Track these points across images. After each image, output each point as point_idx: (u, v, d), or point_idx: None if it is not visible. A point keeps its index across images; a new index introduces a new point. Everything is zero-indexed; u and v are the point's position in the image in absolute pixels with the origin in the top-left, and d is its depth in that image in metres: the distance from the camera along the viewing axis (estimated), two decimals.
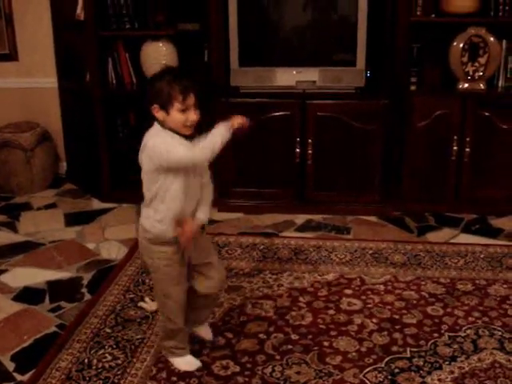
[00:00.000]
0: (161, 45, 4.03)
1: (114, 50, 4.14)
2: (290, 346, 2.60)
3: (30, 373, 2.46)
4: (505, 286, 3.06)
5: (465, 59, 3.79)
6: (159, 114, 2.19)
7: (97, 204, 4.18)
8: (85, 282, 3.16)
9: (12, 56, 4.56)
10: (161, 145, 2.16)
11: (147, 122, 4.23)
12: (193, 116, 2.18)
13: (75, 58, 4.31)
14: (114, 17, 4.03)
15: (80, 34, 4.07)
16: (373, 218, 3.87)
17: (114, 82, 4.16)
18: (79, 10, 4.04)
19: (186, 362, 2.47)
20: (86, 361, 2.51)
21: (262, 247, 3.47)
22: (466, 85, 3.84)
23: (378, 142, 3.80)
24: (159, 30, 4.03)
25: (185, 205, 2.25)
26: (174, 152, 2.15)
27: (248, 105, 3.80)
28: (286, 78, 3.83)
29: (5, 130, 4.40)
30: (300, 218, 3.86)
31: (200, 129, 3.99)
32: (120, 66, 4.16)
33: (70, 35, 4.27)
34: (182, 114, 2.16)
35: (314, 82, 3.82)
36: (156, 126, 2.23)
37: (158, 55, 4.04)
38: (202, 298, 2.47)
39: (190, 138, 2.21)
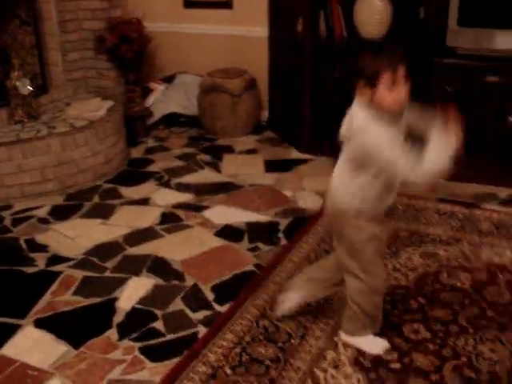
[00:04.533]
0: (376, 0, 3.96)
1: (327, 3, 4.13)
2: (484, 322, 2.50)
3: (228, 304, 2.62)
4: None
5: None
6: (365, 91, 2.03)
7: (295, 154, 4.27)
8: (281, 227, 3.27)
9: (228, 4, 4.74)
10: (372, 138, 1.99)
11: (352, 75, 4.25)
12: (401, 93, 1.99)
13: (288, 9, 4.36)
14: None
15: None
16: None
17: (325, 35, 4.17)
18: None
19: (375, 343, 2.36)
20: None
21: (461, 216, 3.35)
22: None
23: None
24: None
25: (381, 199, 2.14)
26: (389, 155, 1.98)
27: (463, 67, 3.63)
28: (509, 41, 3.57)
29: (215, 74, 4.61)
30: (503, 192, 3.65)
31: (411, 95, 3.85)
32: (332, 19, 4.15)
33: None
34: (390, 90, 1.98)
35: None
36: (360, 104, 2.07)
37: (372, 11, 3.98)
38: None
39: (398, 114, 2.05)
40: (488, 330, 2.46)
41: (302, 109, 4.22)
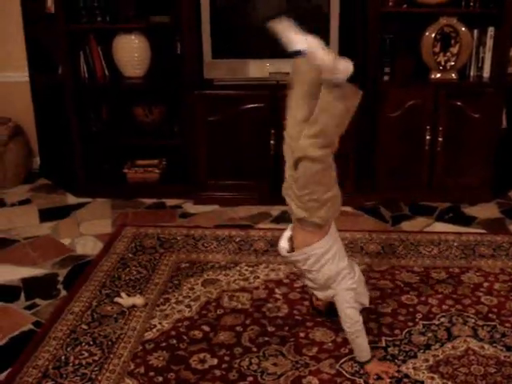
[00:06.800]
0: (133, 37, 4.02)
1: (85, 44, 4.10)
2: (266, 338, 2.62)
3: (7, 372, 2.43)
4: (478, 273, 3.11)
5: (437, 49, 3.82)
6: None
7: (71, 199, 4.14)
8: (60, 278, 3.14)
9: None
10: None
11: (120, 115, 4.25)
12: None
13: (47, 51, 4.26)
14: (85, 10, 3.99)
15: (51, 27, 4.03)
16: (348, 209, 3.90)
17: (87, 75, 4.13)
18: (50, 3, 4.00)
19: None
20: (62, 358, 2.50)
21: (238, 239, 3.48)
22: (438, 75, 3.88)
23: (351, 132, 3.80)
24: (130, 23, 4.01)
25: None
26: None
27: (222, 97, 3.81)
28: (259, 69, 3.82)
29: None
30: (275, 210, 3.87)
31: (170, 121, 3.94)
32: (92, 59, 4.12)
33: (41, 28, 4.22)
34: None
35: (287, 73, 3.81)
36: None
37: (131, 48, 4.03)
38: None
39: None
40: (270, 346, 2.57)
41: (73, 153, 4.12)
